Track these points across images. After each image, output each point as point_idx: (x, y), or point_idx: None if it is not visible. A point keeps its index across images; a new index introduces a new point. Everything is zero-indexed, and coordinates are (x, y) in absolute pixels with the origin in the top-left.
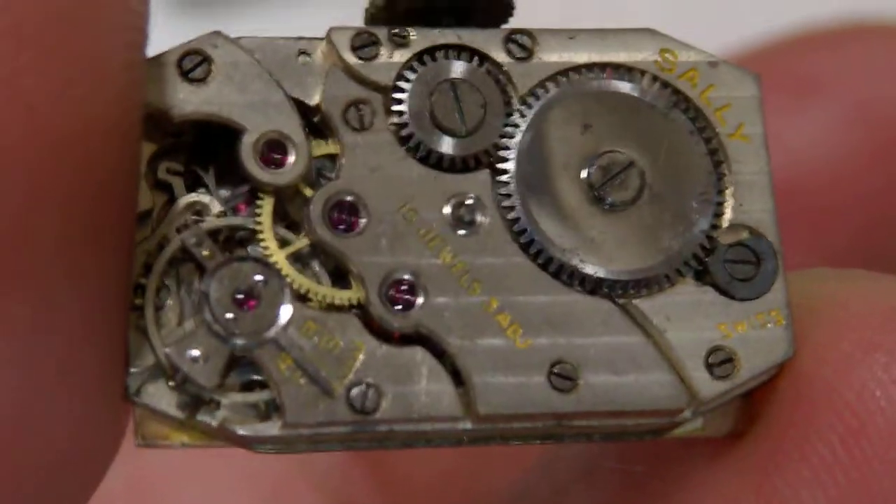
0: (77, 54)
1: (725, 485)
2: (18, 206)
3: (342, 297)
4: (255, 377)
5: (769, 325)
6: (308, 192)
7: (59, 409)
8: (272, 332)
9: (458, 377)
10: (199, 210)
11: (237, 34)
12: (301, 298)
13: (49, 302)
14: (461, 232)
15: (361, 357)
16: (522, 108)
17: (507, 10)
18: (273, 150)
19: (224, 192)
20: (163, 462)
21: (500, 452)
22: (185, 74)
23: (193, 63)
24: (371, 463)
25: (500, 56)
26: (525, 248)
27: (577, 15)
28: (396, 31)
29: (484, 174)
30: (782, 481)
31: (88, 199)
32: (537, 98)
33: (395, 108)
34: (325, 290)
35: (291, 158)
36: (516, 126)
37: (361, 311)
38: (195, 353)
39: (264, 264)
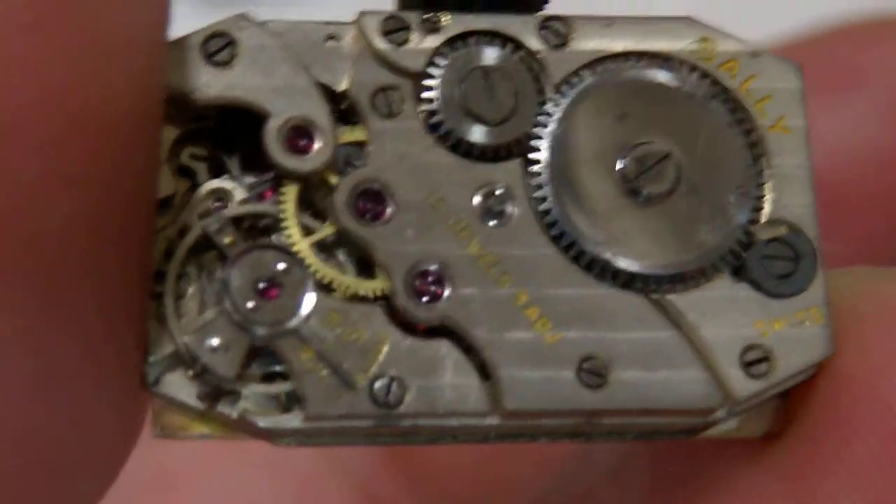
0: (94, 33)
1: (761, 487)
2: (30, 189)
3: (367, 287)
4: (277, 368)
5: (807, 323)
6: (334, 179)
7: (75, 399)
8: (294, 323)
9: (484, 371)
10: (222, 197)
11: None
12: (325, 288)
13: (61, 288)
14: (491, 223)
15: (385, 349)
16: (556, 96)
17: None
18: (298, 135)
19: (249, 179)
20: (187, 454)
21: (528, 447)
22: (210, 57)
23: (218, 46)
24: (398, 454)
25: (535, 43)
26: (556, 240)
27: (612, 2)
28: (428, 16)
29: (515, 164)
30: (820, 484)
31: (105, 182)
32: (572, 87)
33: (425, 94)
34: (350, 281)
35: (317, 145)
36: (549, 115)
37: (386, 302)
38: (215, 342)
39: (287, 253)
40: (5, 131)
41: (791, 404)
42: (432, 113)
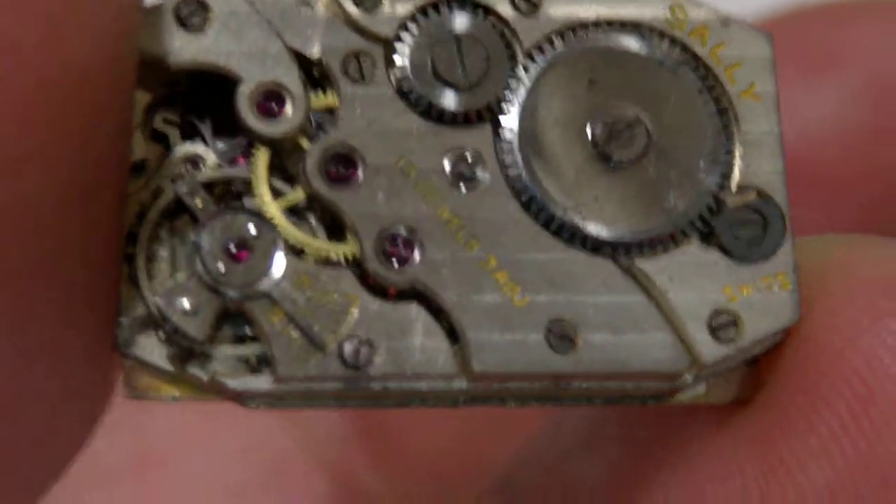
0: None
1: (730, 453)
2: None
3: (337, 251)
4: (248, 331)
5: (775, 288)
6: (306, 144)
7: (49, 360)
8: (264, 285)
9: (453, 334)
10: (195, 161)
11: None
12: (296, 252)
13: (34, 249)
14: (461, 187)
15: (355, 312)
16: (527, 62)
17: None
18: (270, 100)
19: (222, 145)
20: (166, 435)
21: (500, 425)
22: (182, 22)
23: (190, 10)
24: (370, 434)
25: (506, 10)
26: (526, 205)
27: None
28: None
29: (486, 129)
30: (788, 451)
31: (76, 147)
32: (543, 53)
33: (397, 60)
34: (321, 244)
35: (289, 109)
36: (520, 81)
37: (357, 265)
38: (185, 304)
39: (258, 216)
40: None
41: (760, 371)
42: (403, 78)
